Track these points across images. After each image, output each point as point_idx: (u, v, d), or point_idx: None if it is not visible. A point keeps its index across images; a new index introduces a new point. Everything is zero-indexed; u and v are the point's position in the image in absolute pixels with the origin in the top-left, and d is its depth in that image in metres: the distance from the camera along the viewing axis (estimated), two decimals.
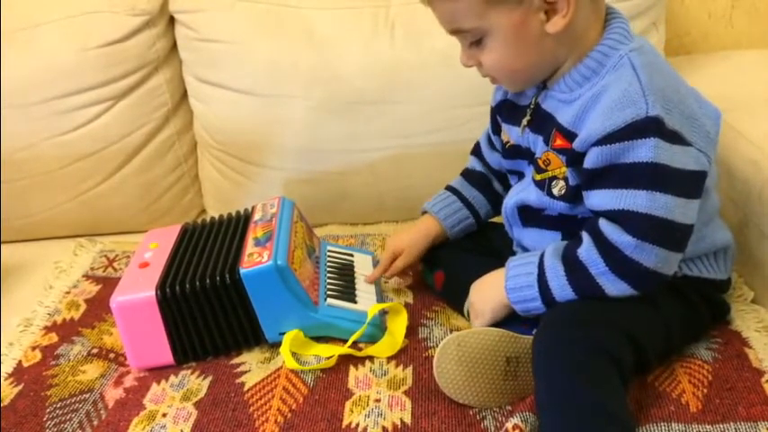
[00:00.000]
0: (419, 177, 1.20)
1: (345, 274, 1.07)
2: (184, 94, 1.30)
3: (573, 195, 0.86)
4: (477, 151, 1.08)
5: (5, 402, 0.92)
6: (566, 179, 0.86)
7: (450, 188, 1.07)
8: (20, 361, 1.00)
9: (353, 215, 1.22)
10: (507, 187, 1.04)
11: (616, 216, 0.80)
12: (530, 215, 0.93)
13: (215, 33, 1.22)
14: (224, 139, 1.27)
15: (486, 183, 1.06)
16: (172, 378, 0.94)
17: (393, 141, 1.21)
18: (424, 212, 1.07)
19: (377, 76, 1.18)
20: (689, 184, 0.80)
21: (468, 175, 1.08)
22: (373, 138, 1.21)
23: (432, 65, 1.18)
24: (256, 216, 1.05)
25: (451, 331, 0.91)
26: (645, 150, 0.77)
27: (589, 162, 0.81)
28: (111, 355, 1.00)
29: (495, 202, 1.06)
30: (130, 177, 1.29)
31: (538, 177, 0.90)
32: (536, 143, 0.90)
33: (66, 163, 1.26)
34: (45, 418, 0.89)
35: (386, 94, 1.19)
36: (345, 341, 0.95)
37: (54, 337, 1.04)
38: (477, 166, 1.07)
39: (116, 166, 1.28)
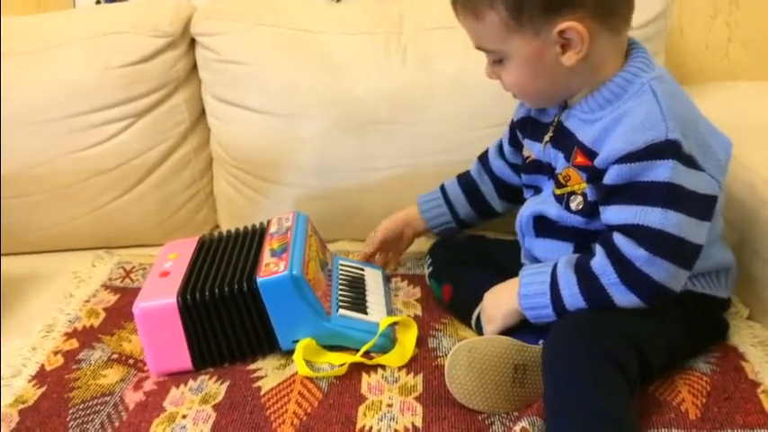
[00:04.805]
0: None
1: (356, 287, 1.10)
2: (202, 113, 1.33)
3: (590, 210, 0.90)
4: (482, 156, 1.14)
5: (30, 403, 0.95)
6: (584, 195, 0.90)
7: (443, 189, 1.15)
8: (42, 365, 1.02)
9: (364, 231, 1.24)
10: (502, 195, 1.11)
11: (630, 230, 0.83)
12: (544, 226, 0.97)
13: (235, 55, 1.26)
14: (240, 156, 1.30)
15: (473, 188, 1.13)
16: (190, 382, 0.96)
17: (404, 160, 1.24)
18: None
19: (389, 98, 1.22)
20: (701, 206, 0.84)
21: (462, 176, 1.15)
22: (385, 157, 1.24)
23: (441, 88, 1.22)
24: (272, 229, 1.09)
25: (459, 342, 0.94)
26: (662, 170, 0.81)
27: (609, 179, 0.85)
28: (131, 361, 1.03)
29: (480, 208, 1.13)
30: (148, 193, 1.32)
31: (558, 192, 0.93)
32: (557, 159, 0.94)
33: (86, 177, 1.29)
34: (68, 419, 0.92)
35: (397, 115, 1.22)
36: (356, 351, 0.97)
37: (75, 343, 1.07)
38: (474, 171, 1.14)
39: (134, 182, 1.31)
